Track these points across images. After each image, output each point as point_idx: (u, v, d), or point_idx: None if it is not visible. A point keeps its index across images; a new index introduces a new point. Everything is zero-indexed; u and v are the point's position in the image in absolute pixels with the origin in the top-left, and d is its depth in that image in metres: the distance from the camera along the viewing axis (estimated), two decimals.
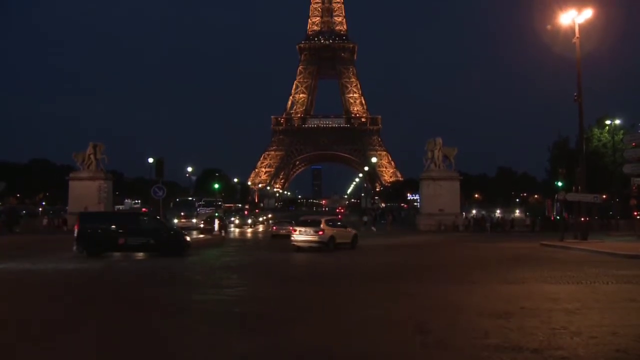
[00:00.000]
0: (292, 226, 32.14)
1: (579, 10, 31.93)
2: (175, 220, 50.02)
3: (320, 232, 27.31)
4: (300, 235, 27.78)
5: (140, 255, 24.62)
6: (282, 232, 38.83)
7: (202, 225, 43.82)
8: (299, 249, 27.69)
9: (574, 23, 32.00)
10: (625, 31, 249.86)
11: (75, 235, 23.95)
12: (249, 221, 64.21)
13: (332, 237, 27.61)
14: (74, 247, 23.99)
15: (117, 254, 24.54)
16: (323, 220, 28.76)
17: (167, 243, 24.36)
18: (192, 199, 59.07)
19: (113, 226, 24.53)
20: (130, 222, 25.92)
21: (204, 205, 59.20)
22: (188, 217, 52.66)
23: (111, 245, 23.96)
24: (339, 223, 31.67)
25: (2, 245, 31.94)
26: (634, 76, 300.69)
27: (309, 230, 27.72)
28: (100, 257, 23.35)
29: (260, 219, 74.22)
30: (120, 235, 23.93)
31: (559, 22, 32.99)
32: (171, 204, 60.57)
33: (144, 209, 68.51)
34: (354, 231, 30.98)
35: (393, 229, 52.53)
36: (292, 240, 28.28)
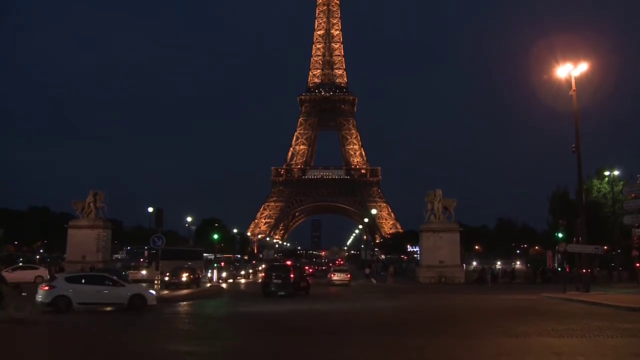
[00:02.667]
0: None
1: (575, 64, 32.52)
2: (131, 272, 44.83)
3: (349, 276, 49.30)
4: (338, 276, 48.60)
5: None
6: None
7: (166, 279, 37.10)
8: (334, 284, 46.30)
9: (570, 76, 32.55)
10: (623, 81, 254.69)
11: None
12: (242, 272, 60.92)
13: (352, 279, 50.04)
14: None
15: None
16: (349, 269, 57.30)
17: (307, 285, 34.71)
18: (143, 247, 49.38)
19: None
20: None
21: (173, 255, 48.09)
22: (138, 268, 46.01)
23: (296, 287, 32.87)
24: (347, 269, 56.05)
25: None
26: (633, 126, 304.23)
27: (342, 274, 49.33)
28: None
29: (243, 271, 64.73)
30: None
31: (556, 74, 33.54)
32: (122, 252, 52.47)
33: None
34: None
35: (393, 282, 51.89)
36: (330, 279, 48.31)
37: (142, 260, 46.72)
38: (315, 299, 31.44)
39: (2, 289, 19.69)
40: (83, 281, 22.74)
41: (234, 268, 61.11)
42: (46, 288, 21.66)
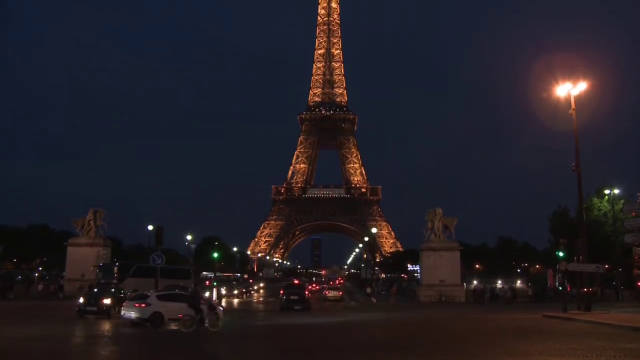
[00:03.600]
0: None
1: (574, 83, 32.63)
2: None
3: (340, 293, 55.09)
4: (331, 293, 54.40)
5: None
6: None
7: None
8: (328, 300, 52.05)
9: (570, 95, 32.64)
10: (624, 99, 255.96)
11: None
12: (235, 292, 58.47)
13: (343, 295, 54.50)
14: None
15: None
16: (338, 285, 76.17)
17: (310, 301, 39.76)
18: (114, 264, 46.99)
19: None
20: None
21: (139, 272, 44.15)
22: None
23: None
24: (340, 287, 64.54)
25: None
26: (633, 144, 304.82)
27: (336, 291, 55.72)
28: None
29: (236, 291, 60.67)
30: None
31: (556, 93, 33.63)
32: (96, 269, 46.90)
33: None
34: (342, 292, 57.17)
35: (397, 301, 51.47)
36: (325, 296, 54.40)
37: (115, 276, 45.19)
38: (318, 313, 36.21)
39: (197, 302, 22.83)
40: (170, 299, 24.74)
41: (228, 287, 58.25)
42: (143, 305, 23.75)
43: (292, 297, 37.74)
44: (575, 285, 38.88)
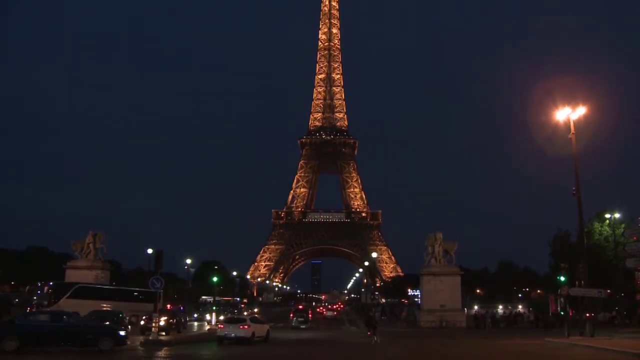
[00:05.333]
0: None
1: (574, 108, 32.82)
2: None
3: (336, 313, 76.99)
4: (329, 313, 78.85)
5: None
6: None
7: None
8: (326, 318, 69.36)
9: (569, 119, 32.80)
10: (624, 123, 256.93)
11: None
12: (221, 318, 49.65)
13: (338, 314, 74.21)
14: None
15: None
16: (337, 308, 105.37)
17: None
18: (47, 284, 45.18)
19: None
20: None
21: (80, 293, 42.71)
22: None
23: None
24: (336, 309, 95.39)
25: None
26: (633, 168, 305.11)
27: (332, 311, 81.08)
28: None
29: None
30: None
31: (556, 118, 33.78)
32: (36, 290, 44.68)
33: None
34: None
35: (407, 326, 50.76)
36: (324, 315, 75.92)
37: (48, 295, 43.62)
38: (319, 330, 45.21)
39: (373, 322, 31.78)
40: (256, 321, 32.39)
41: (219, 311, 53.97)
42: (246, 327, 29.75)
43: (299, 318, 49.45)
44: (577, 310, 38.59)
